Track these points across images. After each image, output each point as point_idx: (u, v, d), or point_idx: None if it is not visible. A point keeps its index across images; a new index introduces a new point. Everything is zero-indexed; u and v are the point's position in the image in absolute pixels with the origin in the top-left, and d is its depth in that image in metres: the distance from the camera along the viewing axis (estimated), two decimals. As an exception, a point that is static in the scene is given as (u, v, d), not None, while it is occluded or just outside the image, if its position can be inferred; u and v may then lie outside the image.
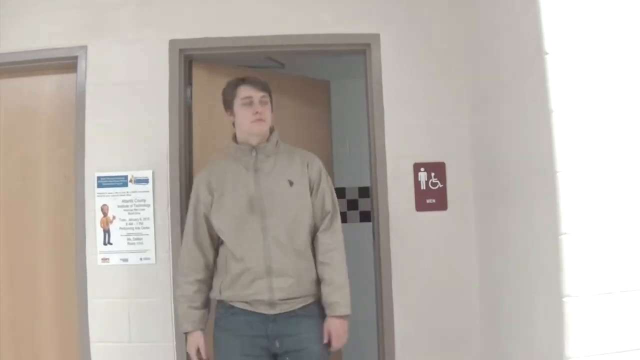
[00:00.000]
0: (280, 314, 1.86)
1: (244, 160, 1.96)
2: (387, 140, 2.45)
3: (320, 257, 1.93)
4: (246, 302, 1.88)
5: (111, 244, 2.40)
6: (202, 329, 1.93)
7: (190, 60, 2.53)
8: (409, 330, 2.40)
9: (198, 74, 2.55)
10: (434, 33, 2.52)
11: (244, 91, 1.96)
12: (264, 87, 1.99)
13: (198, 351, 1.91)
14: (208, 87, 2.51)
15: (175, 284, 1.99)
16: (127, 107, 2.45)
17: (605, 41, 1.67)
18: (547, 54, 1.65)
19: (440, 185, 2.42)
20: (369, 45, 2.48)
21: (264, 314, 1.86)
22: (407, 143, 2.46)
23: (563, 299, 1.58)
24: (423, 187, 2.42)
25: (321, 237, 1.95)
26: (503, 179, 2.14)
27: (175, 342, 2.33)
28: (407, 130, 2.46)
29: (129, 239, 2.40)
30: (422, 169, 2.42)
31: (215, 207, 1.94)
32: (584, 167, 1.62)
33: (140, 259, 2.39)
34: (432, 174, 2.42)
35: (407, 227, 2.41)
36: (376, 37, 2.48)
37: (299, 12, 2.50)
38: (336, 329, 1.88)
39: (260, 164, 1.95)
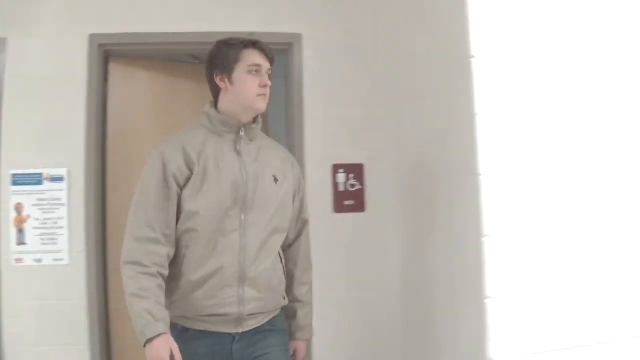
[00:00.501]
0: (246, 331, 1.57)
1: (227, 137, 1.61)
2: (306, 141, 2.43)
3: (300, 276, 1.75)
4: (204, 321, 1.53)
5: (25, 244, 2.33)
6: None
7: (107, 56, 2.47)
8: (327, 338, 2.32)
9: (116, 69, 2.49)
10: (359, 35, 2.51)
11: (254, 57, 1.59)
12: (272, 59, 1.64)
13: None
14: (125, 83, 2.47)
15: (128, 277, 1.46)
16: (44, 103, 2.37)
17: (528, 47, 1.69)
18: (473, 57, 1.66)
19: (359, 187, 2.41)
20: (291, 45, 2.45)
21: (228, 334, 1.55)
22: (326, 144, 2.44)
23: (485, 301, 1.59)
24: (341, 188, 2.40)
25: (304, 247, 1.77)
26: (426, 181, 2.14)
27: (89, 346, 2.28)
28: (326, 132, 2.45)
29: (42, 239, 2.34)
30: (341, 170, 2.40)
31: (194, 186, 1.53)
32: (506, 170, 1.64)
33: (54, 259, 2.33)
34: (351, 176, 2.40)
35: (325, 229, 2.37)
36: (298, 37, 2.46)
37: (222, 10, 2.46)
38: (304, 352, 1.78)
39: (244, 146, 1.62)
